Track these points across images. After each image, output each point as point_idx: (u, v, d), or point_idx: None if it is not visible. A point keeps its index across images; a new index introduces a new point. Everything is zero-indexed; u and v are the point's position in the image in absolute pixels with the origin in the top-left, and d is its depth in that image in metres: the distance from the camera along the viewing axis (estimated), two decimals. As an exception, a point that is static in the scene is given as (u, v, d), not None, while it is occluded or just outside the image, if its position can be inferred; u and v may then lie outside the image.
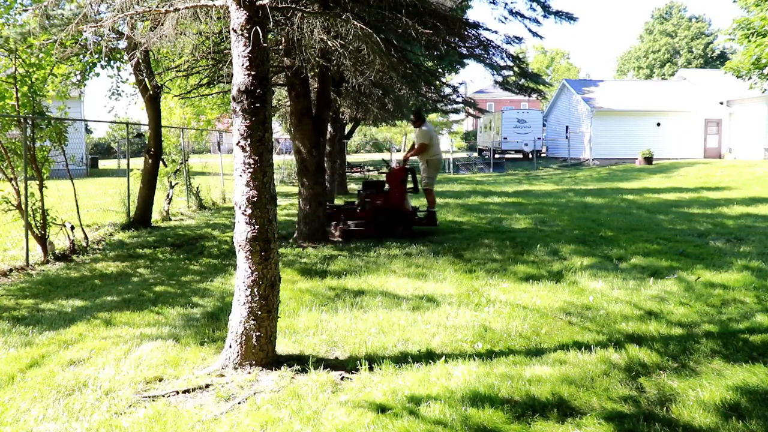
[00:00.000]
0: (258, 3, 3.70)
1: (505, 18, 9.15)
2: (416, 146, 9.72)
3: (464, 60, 13.51)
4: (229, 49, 6.39)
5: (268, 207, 3.83)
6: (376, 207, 9.23)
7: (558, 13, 9.02)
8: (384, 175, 9.50)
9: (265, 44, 3.75)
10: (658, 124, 31.65)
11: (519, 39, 9.81)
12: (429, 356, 4.10)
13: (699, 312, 5.04)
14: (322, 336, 4.54)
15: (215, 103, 16.19)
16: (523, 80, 11.99)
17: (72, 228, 8.19)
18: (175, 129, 14.35)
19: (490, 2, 9.02)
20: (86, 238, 8.50)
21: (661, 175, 23.13)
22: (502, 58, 9.77)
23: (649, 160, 29.14)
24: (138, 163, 11.96)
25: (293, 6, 4.87)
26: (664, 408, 3.30)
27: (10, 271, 6.98)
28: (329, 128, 12.95)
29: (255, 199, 3.77)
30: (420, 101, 14.34)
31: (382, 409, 3.31)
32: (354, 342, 4.40)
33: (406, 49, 9.40)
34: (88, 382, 3.74)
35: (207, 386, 3.64)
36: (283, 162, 26.20)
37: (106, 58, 10.10)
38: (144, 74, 9.99)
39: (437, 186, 17.61)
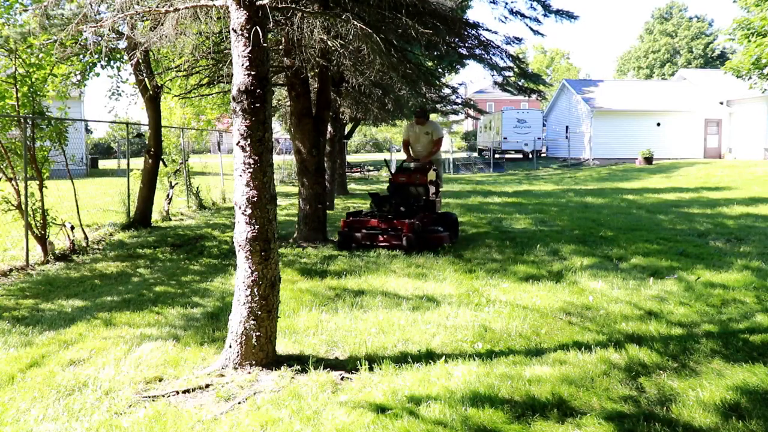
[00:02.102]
0: (258, 3, 3.69)
1: (506, 17, 9.16)
2: (436, 141, 8.94)
3: (464, 60, 13.50)
4: (229, 49, 6.39)
5: (268, 207, 3.83)
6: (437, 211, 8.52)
7: (558, 12, 9.02)
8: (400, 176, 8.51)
9: (265, 44, 3.75)
10: (658, 124, 31.65)
11: (519, 39, 9.82)
12: (429, 356, 4.09)
13: (699, 312, 5.04)
14: (322, 336, 4.54)
15: (215, 103, 16.17)
16: (523, 80, 11.99)
17: (72, 228, 8.19)
18: (175, 129, 14.35)
19: (491, 2, 9.03)
20: (86, 238, 8.50)
21: (661, 175, 23.14)
22: (502, 59, 9.78)
23: (649, 160, 29.15)
24: (138, 163, 11.95)
25: (293, 6, 4.87)
26: (664, 408, 3.30)
27: (10, 271, 6.97)
28: (329, 128, 12.96)
29: (255, 199, 3.77)
30: (420, 101, 14.34)
31: (382, 409, 3.31)
32: (354, 342, 4.40)
33: (406, 49, 9.38)
34: (88, 382, 3.74)
35: (207, 386, 3.64)
36: (283, 162, 26.19)
37: (106, 58, 10.09)
38: (144, 74, 9.99)
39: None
